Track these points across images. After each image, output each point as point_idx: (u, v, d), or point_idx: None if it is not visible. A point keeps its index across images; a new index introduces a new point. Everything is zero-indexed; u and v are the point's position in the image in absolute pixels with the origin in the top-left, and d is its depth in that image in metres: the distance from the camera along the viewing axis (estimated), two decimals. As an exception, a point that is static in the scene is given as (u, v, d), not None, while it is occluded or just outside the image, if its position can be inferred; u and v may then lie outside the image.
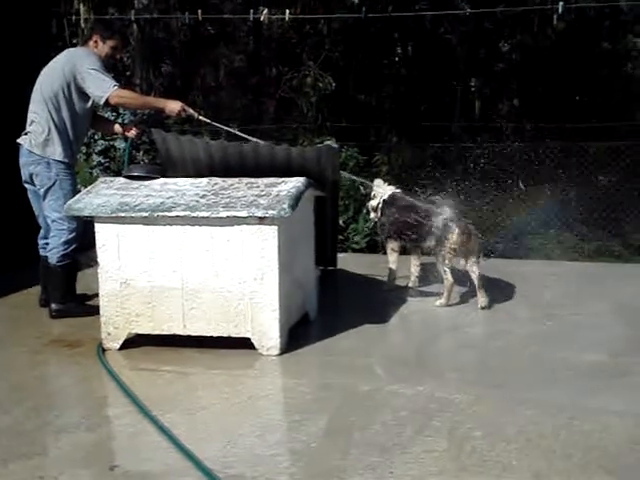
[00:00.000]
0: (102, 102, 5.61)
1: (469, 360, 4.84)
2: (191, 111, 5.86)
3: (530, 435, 3.66)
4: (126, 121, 9.18)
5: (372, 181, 6.70)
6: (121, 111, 9.38)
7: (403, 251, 6.45)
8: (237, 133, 6.09)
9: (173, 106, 5.75)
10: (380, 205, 6.36)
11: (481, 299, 5.85)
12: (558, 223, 10.98)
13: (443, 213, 5.86)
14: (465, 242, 5.79)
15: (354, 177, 8.21)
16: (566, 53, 14.68)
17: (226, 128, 6.25)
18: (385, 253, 6.51)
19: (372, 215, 6.54)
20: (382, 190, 6.40)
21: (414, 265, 6.46)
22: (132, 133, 5.98)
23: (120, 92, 5.63)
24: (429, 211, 5.96)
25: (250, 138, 5.89)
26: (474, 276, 5.89)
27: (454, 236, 5.76)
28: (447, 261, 5.82)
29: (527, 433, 3.68)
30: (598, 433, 3.68)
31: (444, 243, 5.78)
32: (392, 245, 6.33)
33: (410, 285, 6.45)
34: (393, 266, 6.37)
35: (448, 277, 5.84)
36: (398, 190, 6.42)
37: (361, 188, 6.75)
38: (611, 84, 14.62)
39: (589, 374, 4.48)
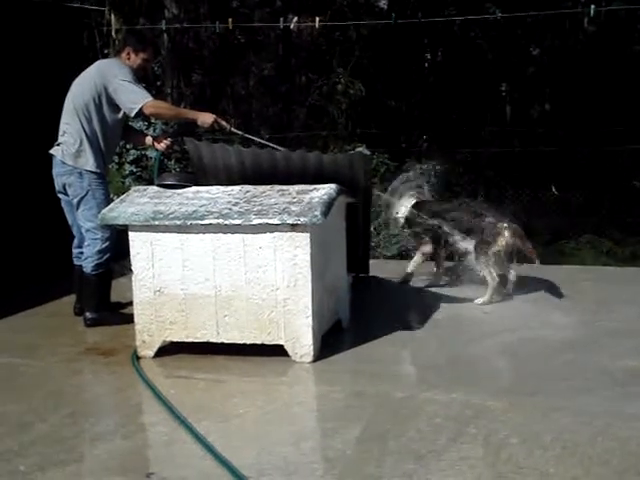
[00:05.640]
0: (133, 114, 5.62)
1: (503, 366, 4.82)
2: (224, 123, 5.86)
3: (566, 442, 3.63)
4: (157, 131, 9.23)
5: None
6: (152, 121, 9.43)
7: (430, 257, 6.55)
8: (270, 145, 6.06)
9: (206, 118, 5.76)
10: (407, 215, 6.41)
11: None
12: (592, 228, 10.91)
13: (489, 215, 6.03)
14: (517, 243, 5.98)
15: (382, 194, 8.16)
16: (597, 56, 14.57)
17: (258, 140, 6.22)
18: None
19: (400, 222, 6.59)
20: (406, 200, 6.44)
21: (440, 265, 6.59)
22: (162, 146, 5.94)
23: (155, 103, 5.67)
24: (472, 213, 6.12)
25: (281, 149, 5.86)
26: (511, 276, 6.11)
27: (505, 237, 5.91)
28: (493, 261, 5.95)
29: (563, 440, 3.65)
30: (635, 439, 3.65)
31: (491, 244, 5.92)
32: (424, 249, 6.38)
33: (432, 283, 6.58)
34: (412, 270, 6.49)
35: (494, 276, 5.98)
36: (419, 196, 6.47)
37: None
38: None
39: (625, 380, 4.43)
